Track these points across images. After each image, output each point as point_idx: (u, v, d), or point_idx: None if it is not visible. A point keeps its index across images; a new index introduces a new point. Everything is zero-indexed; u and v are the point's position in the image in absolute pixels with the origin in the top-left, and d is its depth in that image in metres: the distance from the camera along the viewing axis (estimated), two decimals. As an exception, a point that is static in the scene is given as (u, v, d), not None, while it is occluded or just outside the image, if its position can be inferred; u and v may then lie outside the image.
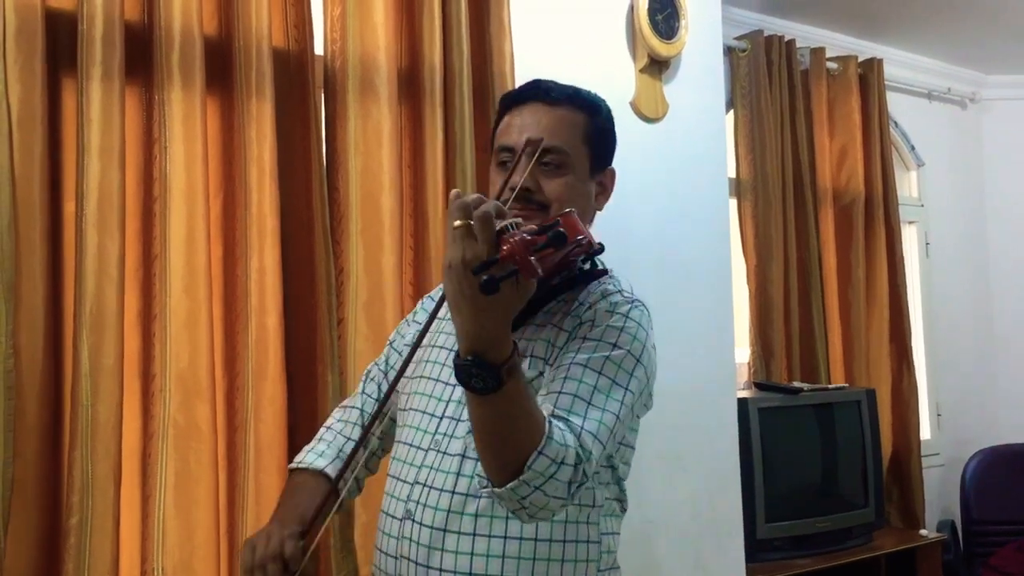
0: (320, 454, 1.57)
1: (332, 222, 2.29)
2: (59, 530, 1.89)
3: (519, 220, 1.16)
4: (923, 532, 3.90)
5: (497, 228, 1.11)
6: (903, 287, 4.20)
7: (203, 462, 2.04)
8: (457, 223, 1.09)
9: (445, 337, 1.51)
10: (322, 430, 1.65)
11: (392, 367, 1.63)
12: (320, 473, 1.54)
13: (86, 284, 1.90)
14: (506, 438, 1.19)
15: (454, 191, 1.17)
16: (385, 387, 1.61)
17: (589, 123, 1.47)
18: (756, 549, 3.22)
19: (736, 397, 3.13)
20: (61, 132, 2.00)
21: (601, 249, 1.23)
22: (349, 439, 1.60)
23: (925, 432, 4.38)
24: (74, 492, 1.87)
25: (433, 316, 1.38)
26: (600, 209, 1.52)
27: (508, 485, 1.19)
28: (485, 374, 1.13)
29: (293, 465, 1.59)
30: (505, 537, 1.34)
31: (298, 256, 2.25)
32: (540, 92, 1.46)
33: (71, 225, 1.96)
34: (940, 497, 4.46)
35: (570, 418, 1.27)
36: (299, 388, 2.23)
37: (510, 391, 1.15)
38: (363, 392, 1.65)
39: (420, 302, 1.71)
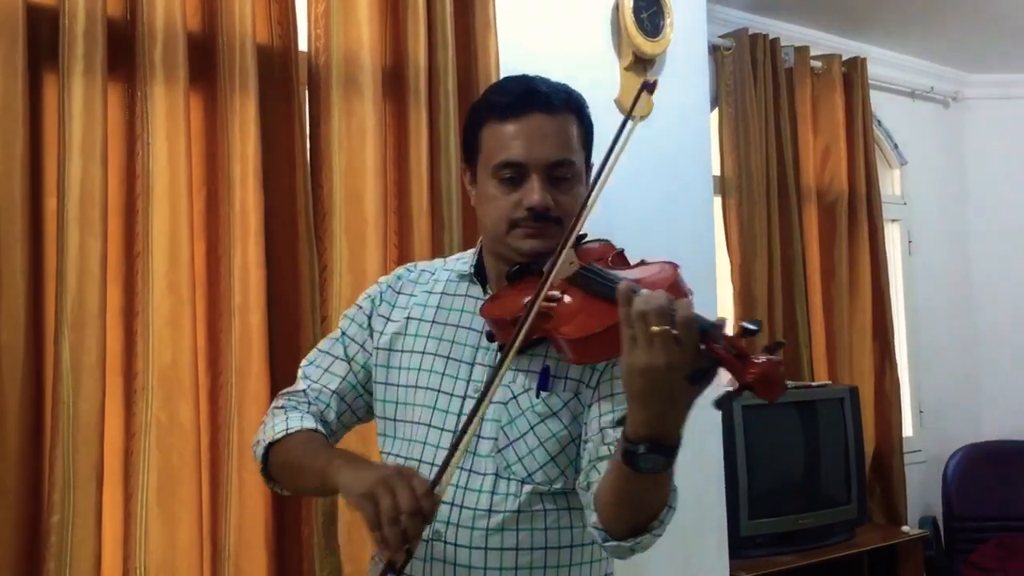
0: (301, 419, 1.46)
1: (316, 219, 2.28)
2: (40, 528, 1.88)
3: (721, 323, 1.09)
4: (905, 528, 3.92)
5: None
6: (886, 285, 4.22)
7: (186, 460, 2.03)
8: (656, 329, 1.04)
9: (436, 343, 1.46)
10: (279, 411, 1.49)
11: (352, 358, 1.52)
12: (312, 431, 1.45)
13: (68, 281, 1.89)
14: (650, 503, 1.20)
15: (624, 284, 1.11)
16: (352, 380, 1.51)
17: (581, 124, 1.44)
18: (739, 546, 3.23)
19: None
20: (42, 128, 1.98)
21: None
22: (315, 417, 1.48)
23: (907, 429, 4.40)
24: (55, 490, 1.86)
25: (505, 358, 1.28)
26: None
27: (638, 538, 1.21)
28: (658, 457, 1.11)
29: (278, 436, 1.44)
30: (545, 548, 1.36)
31: (282, 253, 2.24)
32: (540, 100, 1.40)
33: (52, 222, 1.95)
34: (922, 494, 4.48)
35: None
36: (283, 385, 2.17)
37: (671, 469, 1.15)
38: (316, 380, 1.51)
39: (379, 289, 1.57)
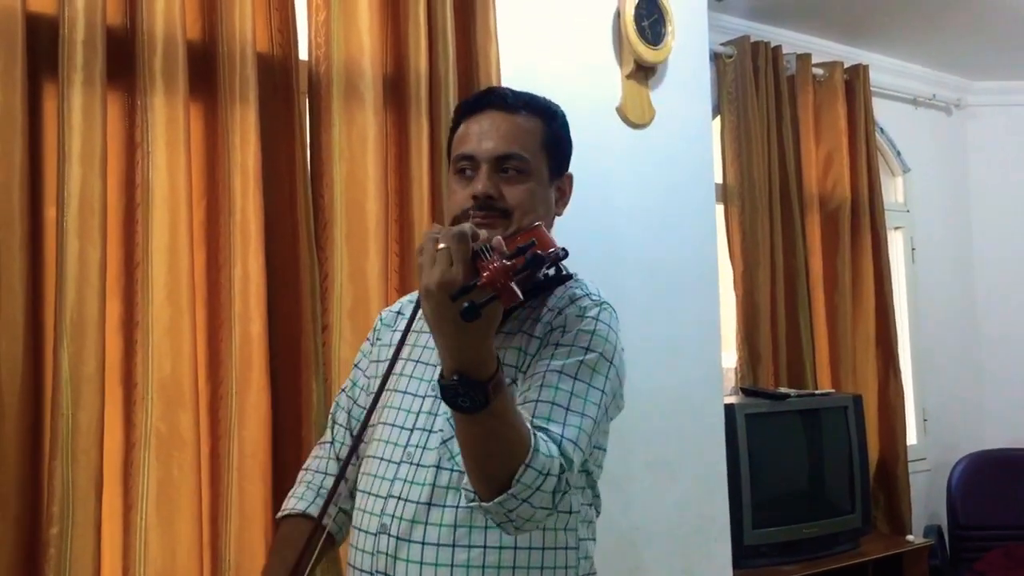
0: (300, 497, 1.57)
1: (317, 228, 2.27)
2: (39, 541, 1.87)
3: (495, 239, 1.17)
4: (910, 537, 3.91)
5: (472, 251, 1.14)
6: (889, 292, 4.21)
7: (186, 471, 2.02)
8: (441, 246, 1.10)
9: (409, 349, 1.50)
10: (301, 473, 1.63)
11: (363, 388, 1.61)
12: (303, 515, 1.54)
13: (67, 291, 1.88)
14: (494, 453, 1.20)
15: (435, 227, 1.19)
16: (356, 412, 1.60)
17: (546, 129, 1.48)
18: (743, 555, 3.22)
19: (723, 403, 3.13)
20: (42, 137, 1.97)
21: (565, 254, 1.23)
22: (327, 474, 1.58)
23: (911, 437, 4.39)
24: (54, 502, 1.85)
25: (405, 335, 1.37)
26: (560, 215, 1.53)
27: (496, 499, 1.20)
28: (472, 392, 1.14)
29: (278, 516, 1.59)
30: (484, 547, 1.34)
31: (282, 263, 2.23)
32: (496, 99, 1.48)
33: (52, 231, 1.94)
34: (927, 502, 4.46)
35: (549, 427, 1.28)
36: (283, 396, 2.21)
37: (497, 408, 1.16)
38: (335, 423, 1.63)
39: (379, 316, 1.68)
